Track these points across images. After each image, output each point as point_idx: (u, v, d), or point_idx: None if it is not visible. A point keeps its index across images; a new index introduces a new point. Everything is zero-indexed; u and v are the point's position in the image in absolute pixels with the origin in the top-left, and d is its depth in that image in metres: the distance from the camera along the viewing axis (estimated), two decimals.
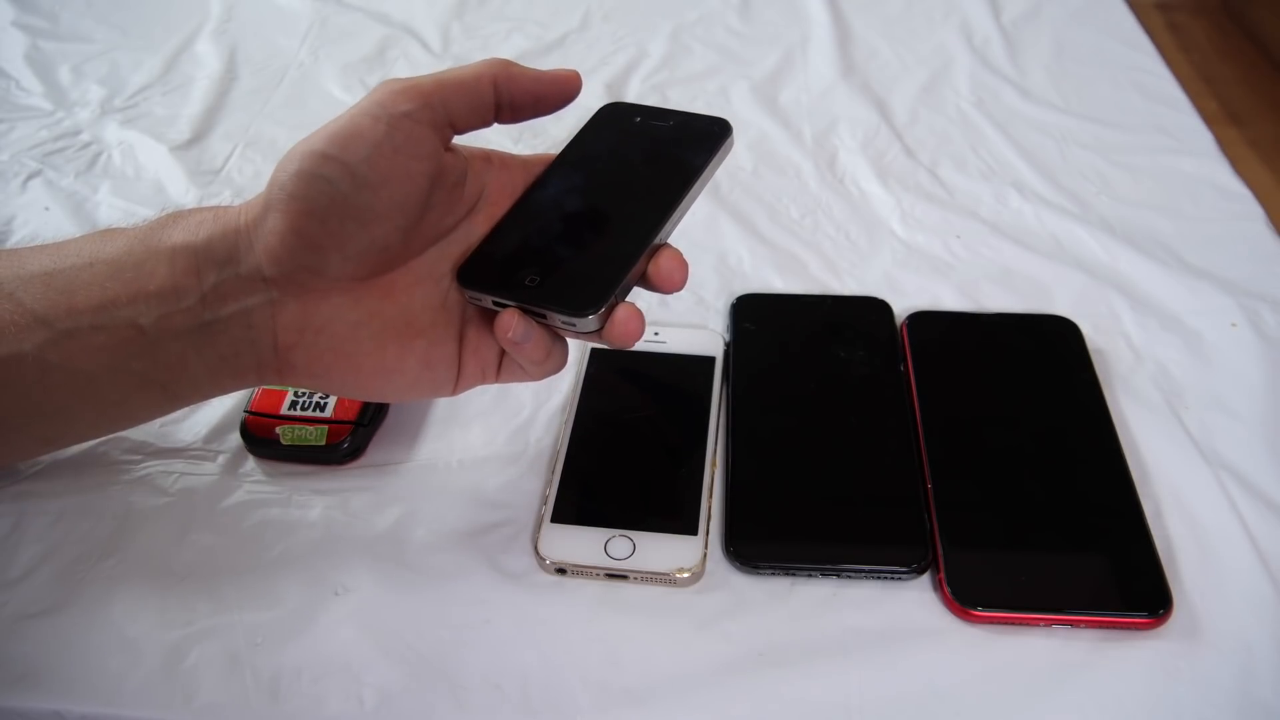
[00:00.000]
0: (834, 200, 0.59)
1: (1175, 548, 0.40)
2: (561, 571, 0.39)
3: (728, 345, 0.48)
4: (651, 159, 0.39)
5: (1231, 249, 0.55)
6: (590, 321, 0.35)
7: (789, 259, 0.55)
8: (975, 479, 0.42)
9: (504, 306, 0.36)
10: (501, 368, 0.39)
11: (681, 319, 0.51)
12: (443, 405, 0.47)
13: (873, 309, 0.50)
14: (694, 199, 0.38)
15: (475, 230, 0.38)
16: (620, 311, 0.35)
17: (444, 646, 0.37)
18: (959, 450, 0.43)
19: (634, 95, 0.69)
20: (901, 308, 0.51)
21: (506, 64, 0.36)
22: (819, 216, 0.58)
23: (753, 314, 0.50)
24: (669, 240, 0.38)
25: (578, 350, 0.48)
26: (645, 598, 0.39)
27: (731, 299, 0.51)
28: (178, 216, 0.36)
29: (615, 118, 0.42)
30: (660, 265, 0.36)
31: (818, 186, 0.61)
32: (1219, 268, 0.53)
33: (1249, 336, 0.49)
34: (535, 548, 0.40)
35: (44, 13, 0.78)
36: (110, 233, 0.36)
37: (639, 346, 0.44)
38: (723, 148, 0.40)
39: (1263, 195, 0.58)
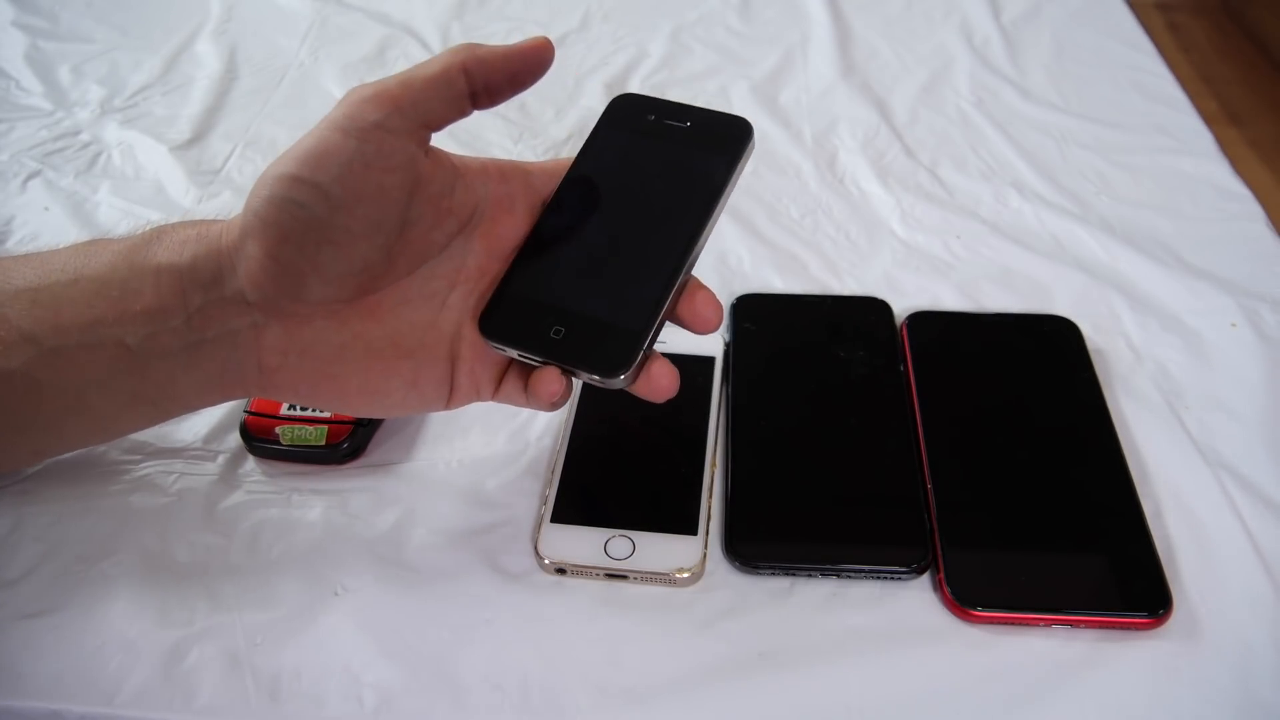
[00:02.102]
0: (834, 200, 0.59)
1: (1175, 548, 0.40)
2: (561, 571, 0.39)
3: (728, 345, 0.48)
4: (671, 175, 0.37)
5: (1231, 249, 0.55)
6: (621, 381, 0.34)
7: (789, 259, 0.55)
8: (975, 479, 0.42)
9: (528, 359, 0.35)
10: (499, 389, 0.38)
11: None
12: None
13: (873, 309, 0.50)
14: (718, 218, 0.37)
15: (472, 249, 0.37)
16: (654, 368, 0.35)
17: (444, 646, 0.37)
18: (959, 450, 0.43)
19: None
20: (901, 308, 0.51)
21: (473, 47, 0.35)
22: (819, 216, 0.58)
23: (753, 314, 0.50)
24: (695, 272, 0.37)
25: None
26: (645, 598, 0.39)
27: (731, 299, 0.51)
28: (162, 233, 0.35)
29: (628, 116, 0.39)
30: (696, 308, 0.36)
31: (818, 186, 0.61)
32: (1219, 268, 0.53)
33: (1249, 336, 0.49)
34: (535, 548, 0.40)
35: (44, 13, 0.78)
36: (94, 245, 0.36)
37: None
38: (744, 155, 0.38)
39: (1263, 195, 0.58)
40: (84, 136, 0.65)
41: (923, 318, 0.49)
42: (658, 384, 0.35)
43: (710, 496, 0.42)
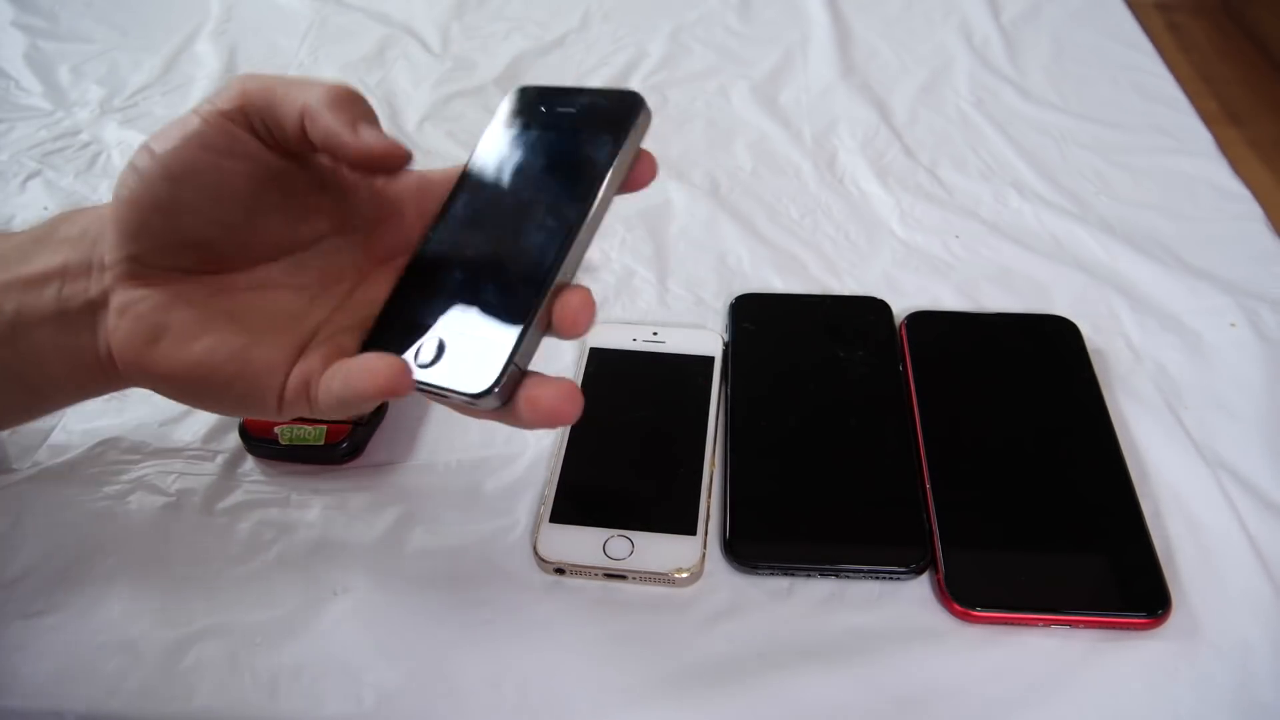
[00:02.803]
0: (834, 200, 0.59)
1: (1174, 548, 0.40)
2: (560, 571, 0.39)
3: (727, 345, 0.48)
4: (555, 167, 0.35)
5: (1231, 249, 0.55)
6: (490, 400, 0.31)
7: (788, 259, 0.55)
8: (975, 479, 0.42)
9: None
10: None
11: (681, 319, 0.51)
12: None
13: (872, 309, 0.50)
14: (605, 209, 0.33)
15: (351, 248, 0.36)
16: (544, 390, 0.31)
17: (444, 646, 0.37)
18: (959, 450, 0.43)
19: None
20: (901, 308, 0.51)
21: (339, 94, 0.33)
22: (818, 216, 0.58)
23: (752, 314, 0.50)
24: (578, 268, 0.33)
25: (576, 349, 0.48)
26: (644, 598, 0.39)
27: (731, 299, 0.51)
28: (80, 210, 0.36)
29: (522, 109, 0.36)
30: (564, 308, 0.32)
31: (817, 186, 0.61)
32: (1219, 268, 0.53)
33: (1249, 336, 0.49)
34: (534, 548, 0.40)
35: (44, 13, 0.78)
36: (16, 232, 0.36)
37: (638, 346, 0.43)
38: (632, 130, 0.34)
39: (1263, 195, 0.58)
40: (84, 136, 0.65)
41: (922, 318, 0.49)
42: (551, 411, 0.31)
43: (709, 496, 0.42)
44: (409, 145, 0.34)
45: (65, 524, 0.41)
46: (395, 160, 0.33)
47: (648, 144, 0.35)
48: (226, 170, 0.33)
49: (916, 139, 0.64)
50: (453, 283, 0.34)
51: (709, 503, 0.41)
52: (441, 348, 0.32)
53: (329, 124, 0.32)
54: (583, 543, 0.40)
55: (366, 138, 0.32)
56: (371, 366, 0.31)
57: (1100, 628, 0.37)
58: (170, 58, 0.73)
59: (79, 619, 0.38)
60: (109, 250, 0.34)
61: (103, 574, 0.40)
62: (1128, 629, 0.37)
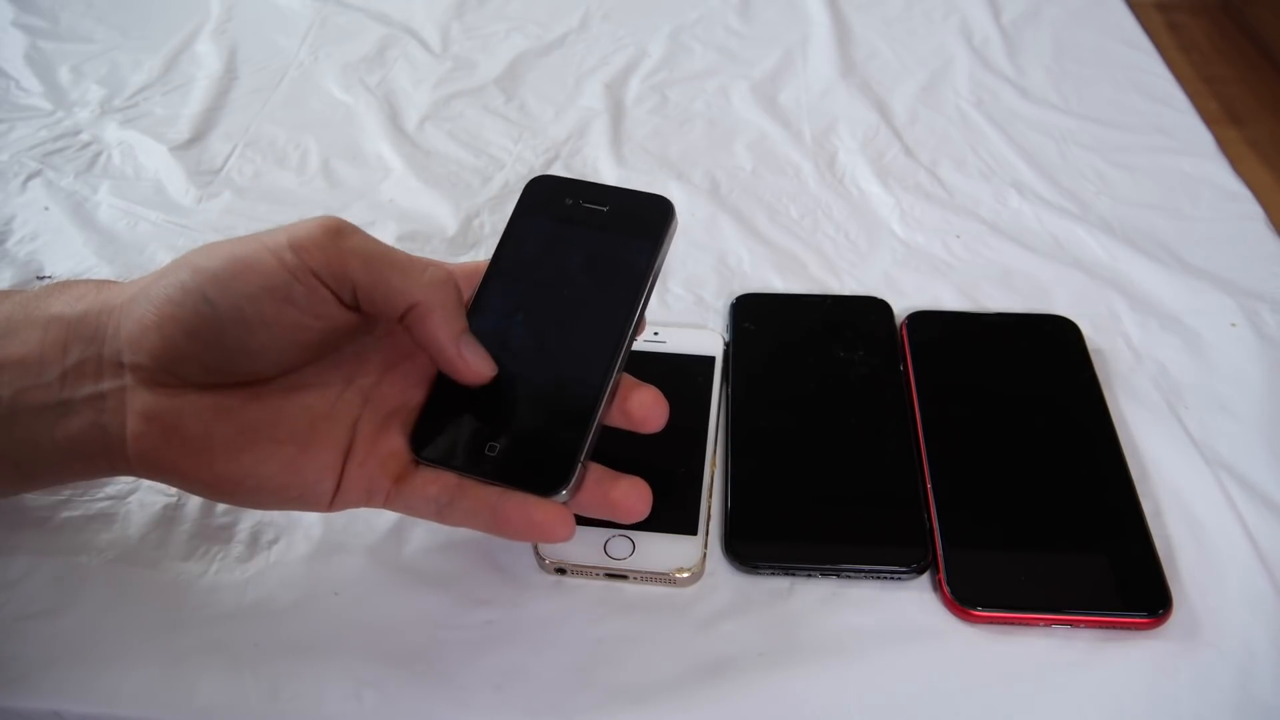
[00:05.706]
0: (834, 200, 0.59)
1: (1175, 548, 0.40)
2: (561, 571, 0.39)
3: (727, 345, 0.48)
4: (594, 267, 0.36)
5: (1231, 249, 0.55)
6: (563, 496, 0.34)
7: (789, 259, 0.55)
8: (975, 479, 0.42)
9: (465, 478, 0.35)
10: (393, 496, 0.35)
11: (681, 319, 0.51)
12: None
13: (872, 309, 0.50)
14: (647, 304, 0.36)
15: (379, 345, 0.36)
16: (621, 491, 0.35)
17: (444, 646, 0.37)
18: (959, 450, 0.43)
19: (634, 95, 0.68)
20: (901, 308, 0.51)
21: (447, 295, 0.33)
22: (819, 216, 0.58)
23: (752, 314, 0.50)
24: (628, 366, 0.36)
25: None
26: (645, 597, 0.39)
27: (731, 299, 0.51)
28: (65, 286, 0.35)
29: (544, 204, 0.38)
30: (631, 411, 0.36)
31: (817, 186, 0.61)
32: (1219, 268, 0.53)
33: (1249, 336, 0.49)
34: (535, 547, 0.40)
35: (44, 13, 0.78)
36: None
37: (638, 346, 0.43)
38: (668, 237, 0.37)
39: (1263, 195, 0.58)
40: (84, 136, 0.65)
41: (922, 317, 0.49)
42: (627, 507, 0.35)
43: (710, 496, 0.42)
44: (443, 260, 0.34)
45: (66, 525, 0.41)
46: (479, 382, 0.35)
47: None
48: (303, 327, 0.33)
49: (916, 139, 0.64)
50: (503, 380, 0.35)
51: (709, 503, 0.41)
52: (503, 445, 0.35)
53: (436, 334, 0.33)
54: (583, 542, 0.40)
55: (469, 356, 0.34)
56: (533, 517, 0.33)
57: (1101, 627, 0.37)
58: (170, 58, 0.73)
59: (80, 619, 0.38)
60: (136, 354, 0.32)
61: (104, 574, 0.40)
62: (1128, 629, 0.37)
